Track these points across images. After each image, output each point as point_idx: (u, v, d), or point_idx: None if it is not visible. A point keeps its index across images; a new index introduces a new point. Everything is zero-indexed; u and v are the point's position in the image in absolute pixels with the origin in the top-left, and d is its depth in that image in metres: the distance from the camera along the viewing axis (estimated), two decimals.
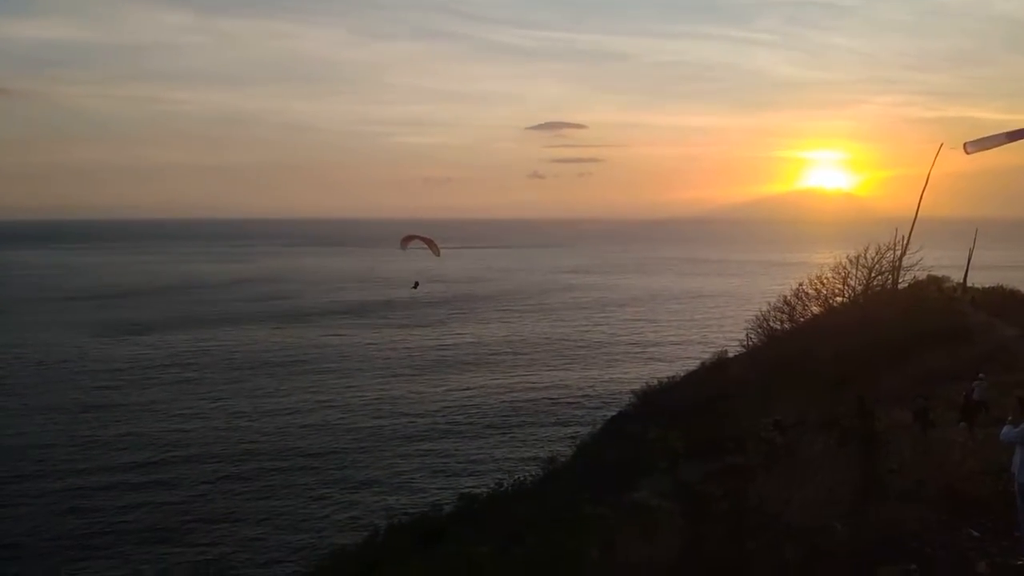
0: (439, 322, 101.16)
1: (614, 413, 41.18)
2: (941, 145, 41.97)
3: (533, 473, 30.25)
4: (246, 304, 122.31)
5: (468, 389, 62.82)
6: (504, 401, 58.88)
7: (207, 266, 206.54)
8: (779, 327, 40.11)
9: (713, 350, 47.42)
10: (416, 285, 59.89)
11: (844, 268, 41.64)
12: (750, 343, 41.49)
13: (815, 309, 40.42)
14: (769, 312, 41.09)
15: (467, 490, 31.06)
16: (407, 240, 38.15)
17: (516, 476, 30.57)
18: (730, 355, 42.00)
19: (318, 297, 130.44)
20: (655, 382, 41.50)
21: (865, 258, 41.99)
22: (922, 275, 45.26)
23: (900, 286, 42.17)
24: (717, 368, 39.05)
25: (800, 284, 41.62)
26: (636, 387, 42.17)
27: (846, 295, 40.85)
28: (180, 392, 63.01)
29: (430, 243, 37.98)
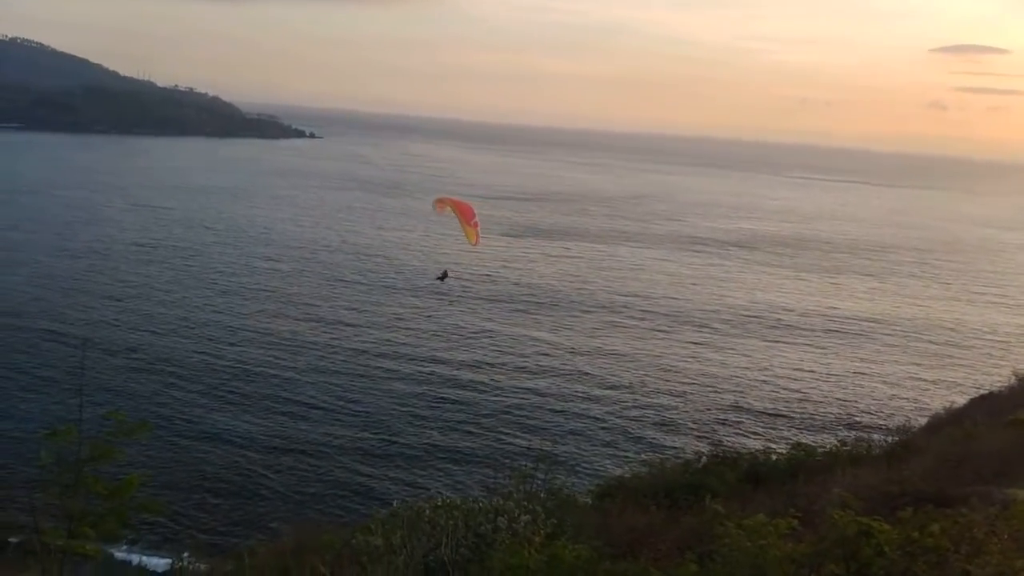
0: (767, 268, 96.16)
1: (983, 393, 36.19)
2: None
3: (880, 440, 27.59)
4: (629, 223, 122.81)
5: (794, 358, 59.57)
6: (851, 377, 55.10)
7: (593, 177, 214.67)
8: None
9: None
10: (444, 275, 40.76)
11: None
12: None
13: None
14: None
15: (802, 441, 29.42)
16: (441, 203, 27.09)
17: (863, 440, 28.08)
18: None
19: (695, 222, 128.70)
20: None
21: None
22: None
23: None
24: None
25: None
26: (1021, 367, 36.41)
27: None
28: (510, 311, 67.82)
29: (464, 211, 26.08)
